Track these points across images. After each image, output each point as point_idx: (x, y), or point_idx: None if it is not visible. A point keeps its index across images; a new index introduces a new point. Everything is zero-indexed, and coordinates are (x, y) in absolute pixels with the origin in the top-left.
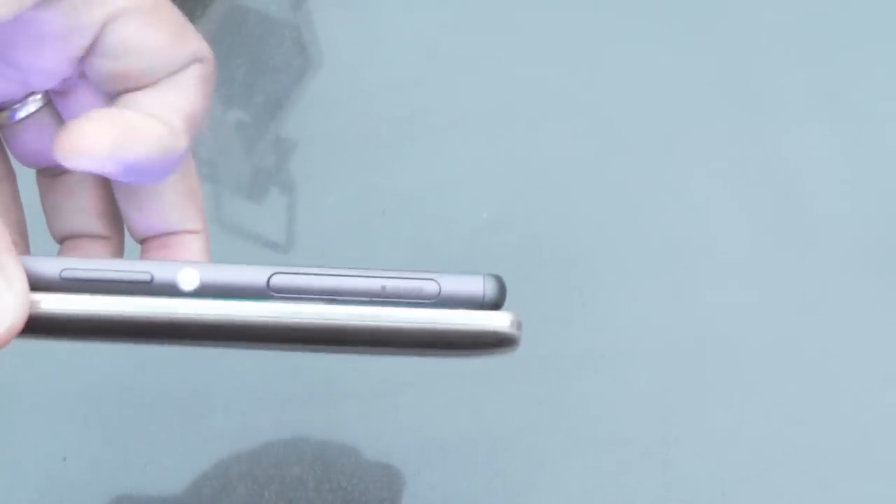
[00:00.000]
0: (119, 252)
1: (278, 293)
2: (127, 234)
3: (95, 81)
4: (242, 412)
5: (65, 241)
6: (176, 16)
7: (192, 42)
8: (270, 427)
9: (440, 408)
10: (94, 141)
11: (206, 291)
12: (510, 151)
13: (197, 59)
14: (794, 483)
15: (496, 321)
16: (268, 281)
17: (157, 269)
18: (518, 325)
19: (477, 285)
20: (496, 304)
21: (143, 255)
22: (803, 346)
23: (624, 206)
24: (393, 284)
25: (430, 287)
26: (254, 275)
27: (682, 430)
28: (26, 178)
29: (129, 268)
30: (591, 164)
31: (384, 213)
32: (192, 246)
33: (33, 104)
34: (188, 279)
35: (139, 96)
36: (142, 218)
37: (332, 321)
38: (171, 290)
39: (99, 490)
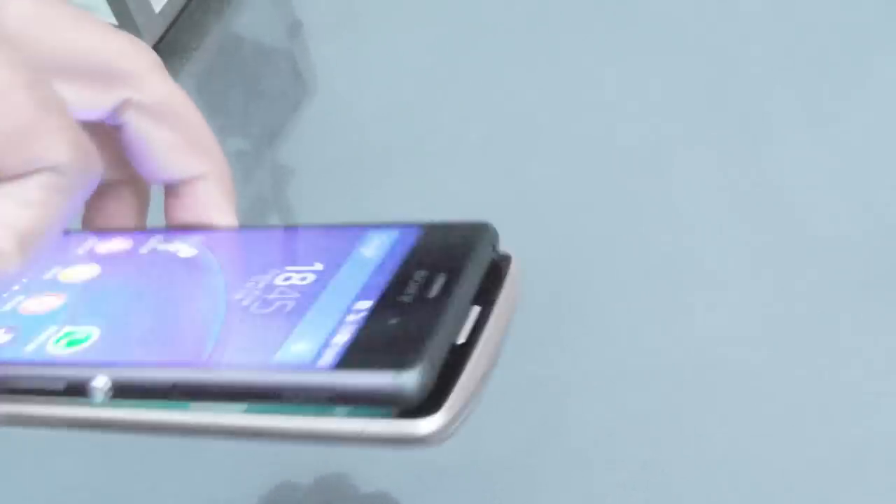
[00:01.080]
0: (145, 196)
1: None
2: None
3: None
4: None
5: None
6: (25, 102)
7: (42, 142)
8: (269, 453)
9: None
10: None
11: (119, 395)
12: (502, 176)
13: (49, 167)
14: None
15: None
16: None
17: (71, 375)
18: (446, 427)
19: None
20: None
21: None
22: (796, 368)
23: (615, 228)
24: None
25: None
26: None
27: (675, 451)
28: None
29: (42, 374)
30: (582, 187)
31: None
32: (200, 192)
33: None
34: (100, 386)
35: None
36: (142, 171)
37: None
38: (83, 399)
39: None
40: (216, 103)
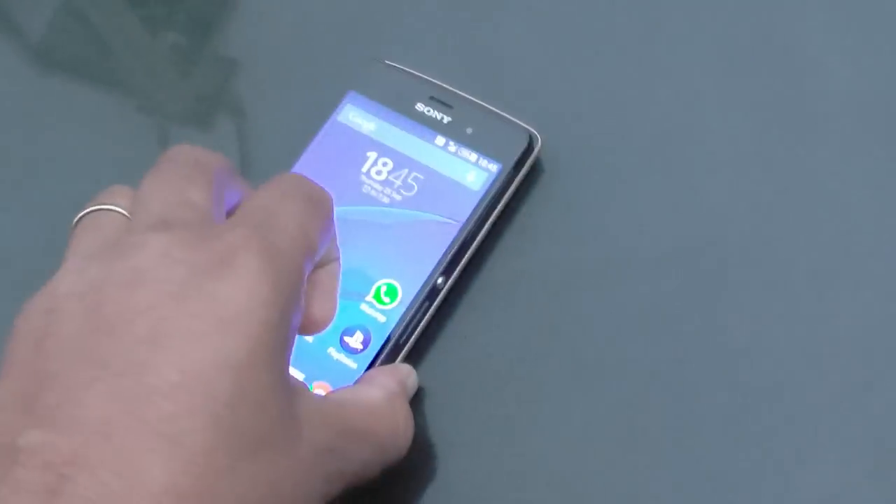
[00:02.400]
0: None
1: None
2: None
3: None
4: None
5: None
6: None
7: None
8: None
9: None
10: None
11: None
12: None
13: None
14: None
15: None
16: None
17: None
18: None
19: None
20: None
21: None
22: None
23: (611, 93)
24: None
25: None
26: None
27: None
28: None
29: None
30: (581, 56)
31: None
32: (334, 272)
33: None
34: None
35: None
36: None
37: None
38: None
39: None
40: None
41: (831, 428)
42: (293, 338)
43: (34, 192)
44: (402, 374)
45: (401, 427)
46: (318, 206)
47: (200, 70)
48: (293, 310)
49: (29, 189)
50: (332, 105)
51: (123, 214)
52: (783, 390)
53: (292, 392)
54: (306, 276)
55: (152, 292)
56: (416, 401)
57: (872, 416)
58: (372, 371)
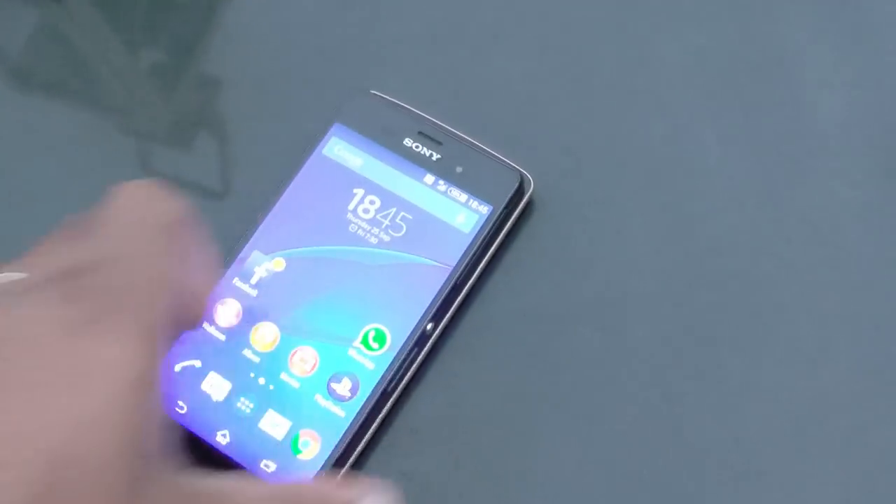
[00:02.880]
0: None
1: None
2: None
3: None
4: None
5: None
6: None
7: None
8: None
9: None
10: None
11: None
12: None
13: None
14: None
15: None
16: None
17: None
18: None
19: None
20: None
21: None
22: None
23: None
24: None
25: None
26: None
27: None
28: None
29: None
30: (570, 93)
31: None
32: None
33: None
34: None
35: None
36: None
37: None
38: None
39: None
40: (119, 19)
41: (828, 467)
42: (157, 400)
43: (14, 212)
44: (343, 498)
45: None
46: (176, 237)
47: (182, 91)
48: (155, 366)
49: (8, 209)
50: (316, 132)
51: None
52: (780, 427)
53: (148, 464)
54: (168, 319)
55: (10, 348)
56: (407, 442)
57: (870, 452)
58: (302, 481)
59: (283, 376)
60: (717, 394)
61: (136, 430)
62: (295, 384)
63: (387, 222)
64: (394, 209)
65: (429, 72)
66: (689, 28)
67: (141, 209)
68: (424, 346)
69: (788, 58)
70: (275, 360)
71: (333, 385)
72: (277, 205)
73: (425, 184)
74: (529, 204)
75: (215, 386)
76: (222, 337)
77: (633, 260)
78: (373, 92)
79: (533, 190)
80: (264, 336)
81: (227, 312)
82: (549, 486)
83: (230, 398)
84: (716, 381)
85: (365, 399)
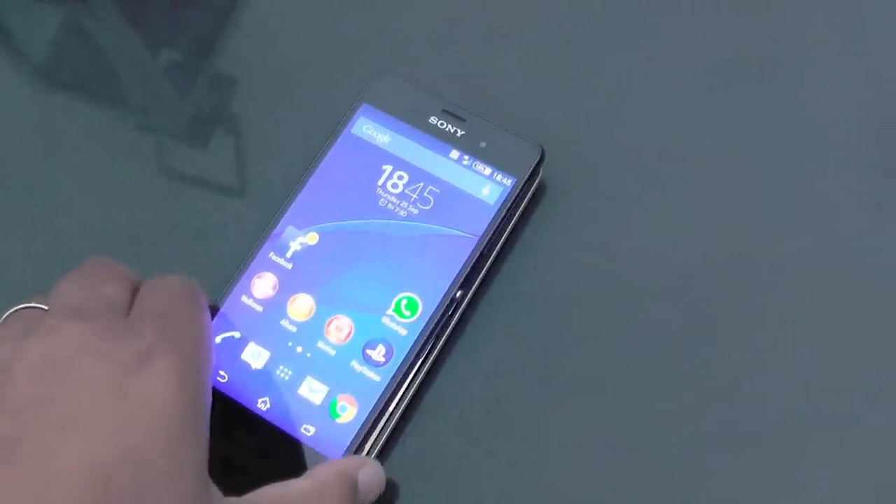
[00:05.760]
0: None
1: None
2: None
3: None
4: None
5: None
6: None
7: None
8: None
9: None
10: None
11: None
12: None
13: None
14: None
15: None
16: None
17: None
18: None
19: None
20: None
21: None
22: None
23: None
24: None
25: None
26: None
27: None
28: None
29: None
30: (582, 79)
31: None
32: None
33: None
34: None
35: None
36: None
37: None
38: None
39: None
40: (139, 16)
41: (829, 451)
42: (206, 429)
43: (35, 209)
44: (348, 465)
45: None
46: (202, 303)
47: (201, 88)
48: (202, 405)
49: (30, 206)
50: (335, 123)
51: (44, 309)
52: (784, 412)
53: (206, 485)
54: (210, 358)
55: (64, 380)
56: (423, 416)
57: (870, 437)
58: (319, 465)
59: (320, 344)
60: (723, 377)
61: (192, 461)
62: (331, 351)
63: (415, 196)
64: (421, 183)
65: (442, 57)
66: (695, 24)
67: (165, 283)
68: (455, 313)
69: (796, 51)
70: (311, 329)
71: (368, 351)
72: (310, 182)
73: (451, 159)
74: (541, 185)
75: (255, 355)
76: (260, 308)
77: (641, 245)
78: (396, 74)
79: (544, 171)
80: (300, 307)
81: (263, 285)
82: (560, 458)
83: (269, 366)
84: (723, 364)
85: (399, 363)
